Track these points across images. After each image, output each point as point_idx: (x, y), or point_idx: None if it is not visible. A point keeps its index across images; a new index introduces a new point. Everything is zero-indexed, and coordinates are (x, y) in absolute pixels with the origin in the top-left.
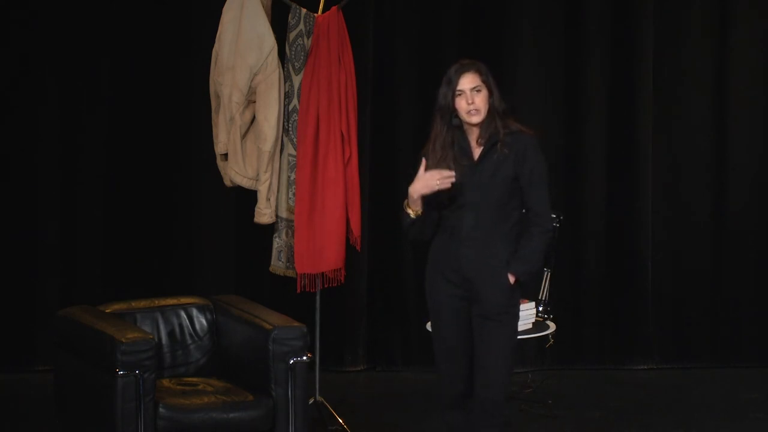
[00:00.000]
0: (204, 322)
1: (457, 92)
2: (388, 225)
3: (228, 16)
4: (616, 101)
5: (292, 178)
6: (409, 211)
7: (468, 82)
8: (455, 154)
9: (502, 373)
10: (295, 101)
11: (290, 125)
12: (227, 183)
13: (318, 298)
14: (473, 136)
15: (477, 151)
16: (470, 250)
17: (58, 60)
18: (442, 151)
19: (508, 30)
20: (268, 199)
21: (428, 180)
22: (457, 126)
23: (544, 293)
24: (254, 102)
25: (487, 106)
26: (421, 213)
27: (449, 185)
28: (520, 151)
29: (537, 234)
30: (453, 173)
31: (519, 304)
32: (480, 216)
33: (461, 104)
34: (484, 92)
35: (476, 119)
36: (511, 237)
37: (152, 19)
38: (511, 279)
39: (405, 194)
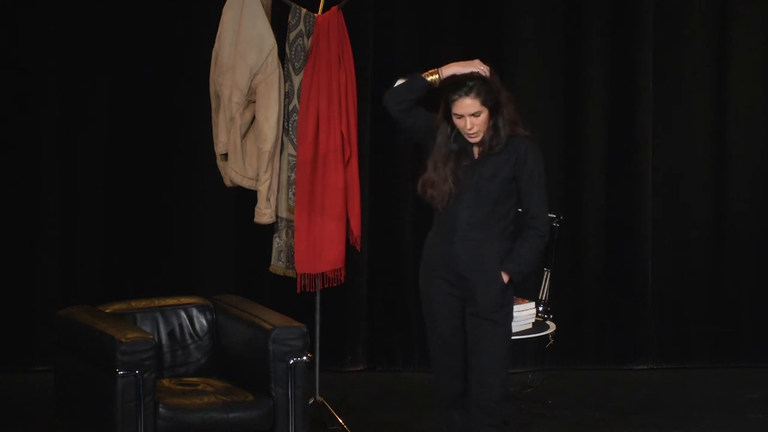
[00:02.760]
0: (204, 322)
1: (456, 115)
2: (388, 225)
3: (228, 15)
4: (616, 101)
5: (292, 178)
6: (430, 77)
7: (465, 107)
8: (456, 153)
9: (498, 373)
10: (295, 101)
11: (290, 125)
12: (227, 183)
13: (318, 298)
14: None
15: (477, 151)
16: (464, 249)
17: (58, 59)
18: (445, 148)
19: (508, 30)
20: (268, 199)
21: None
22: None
23: (544, 293)
24: (254, 102)
25: (487, 125)
26: (437, 83)
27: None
28: (520, 153)
29: (533, 236)
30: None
31: (512, 302)
32: (475, 215)
33: (459, 124)
34: (485, 114)
35: (476, 140)
36: (506, 236)
37: (152, 19)
38: (505, 278)
39: (405, 194)
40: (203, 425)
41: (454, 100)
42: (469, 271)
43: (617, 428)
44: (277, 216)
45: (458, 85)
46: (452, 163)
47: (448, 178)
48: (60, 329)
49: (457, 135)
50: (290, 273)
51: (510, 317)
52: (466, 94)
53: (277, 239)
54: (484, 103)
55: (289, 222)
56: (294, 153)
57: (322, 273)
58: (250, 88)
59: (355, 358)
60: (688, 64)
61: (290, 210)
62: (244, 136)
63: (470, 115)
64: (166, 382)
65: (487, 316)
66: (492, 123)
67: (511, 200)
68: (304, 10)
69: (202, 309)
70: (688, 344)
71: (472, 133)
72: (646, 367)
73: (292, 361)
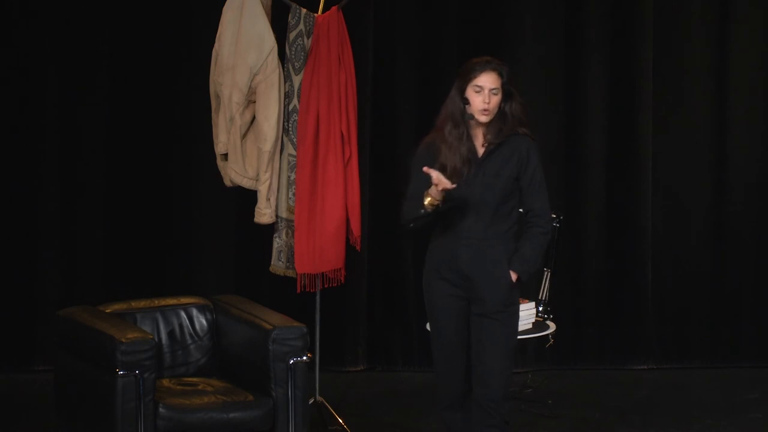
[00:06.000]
0: (204, 322)
1: (476, 87)
2: (388, 225)
3: (228, 15)
4: (616, 101)
5: (292, 178)
6: (427, 203)
7: (490, 81)
8: (462, 151)
9: (500, 373)
10: (295, 101)
11: (290, 125)
12: (227, 183)
13: (318, 298)
14: (479, 136)
15: (481, 151)
16: (469, 249)
17: (58, 59)
18: (450, 147)
19: (508, 29)
20: (268, 199)
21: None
22: (469, 119)
23: (544, 293)
24: (254, 102)
25: (497, 110)
26: (441, 203)
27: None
28: (522, 151)
29: (537, 234)
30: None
31: (518, 302)
32: (480, 215)
33: (476, 100)
34: (500, 96)
35: (485, 119)
36: (510, 236)
37: (152, 19)
38: (513, 277)
39: (404, 193)
40: (203, 425)
41: (479, 74)
42: (473, 272)
43: (617, 428)
44: (277, 216)
45: (485, 60)
46: (463, 149)
47: (455, 159)
48: (60, 329)
49: (462, 124)
50: (290, 273)
51: (516, 318)
52: (493, 69)
53: (277, 239)
54: (503, 86)
55: (289, 222)
56: (294, 153)
57: (322, 273)
58: (250, 88)
59: (355, 358)
60: (688, 64)
61: (290, 210)
62: (244, 136)
63: (489, 90)
64: (166, 382)
65: (492, 316)
66: (501, 109)
67: (514, 199)
68: (304, 10)
69: (202, 309)
70: (688, 344)
71: (486, 110)
72: (646, 367)
73: (292, 361)
